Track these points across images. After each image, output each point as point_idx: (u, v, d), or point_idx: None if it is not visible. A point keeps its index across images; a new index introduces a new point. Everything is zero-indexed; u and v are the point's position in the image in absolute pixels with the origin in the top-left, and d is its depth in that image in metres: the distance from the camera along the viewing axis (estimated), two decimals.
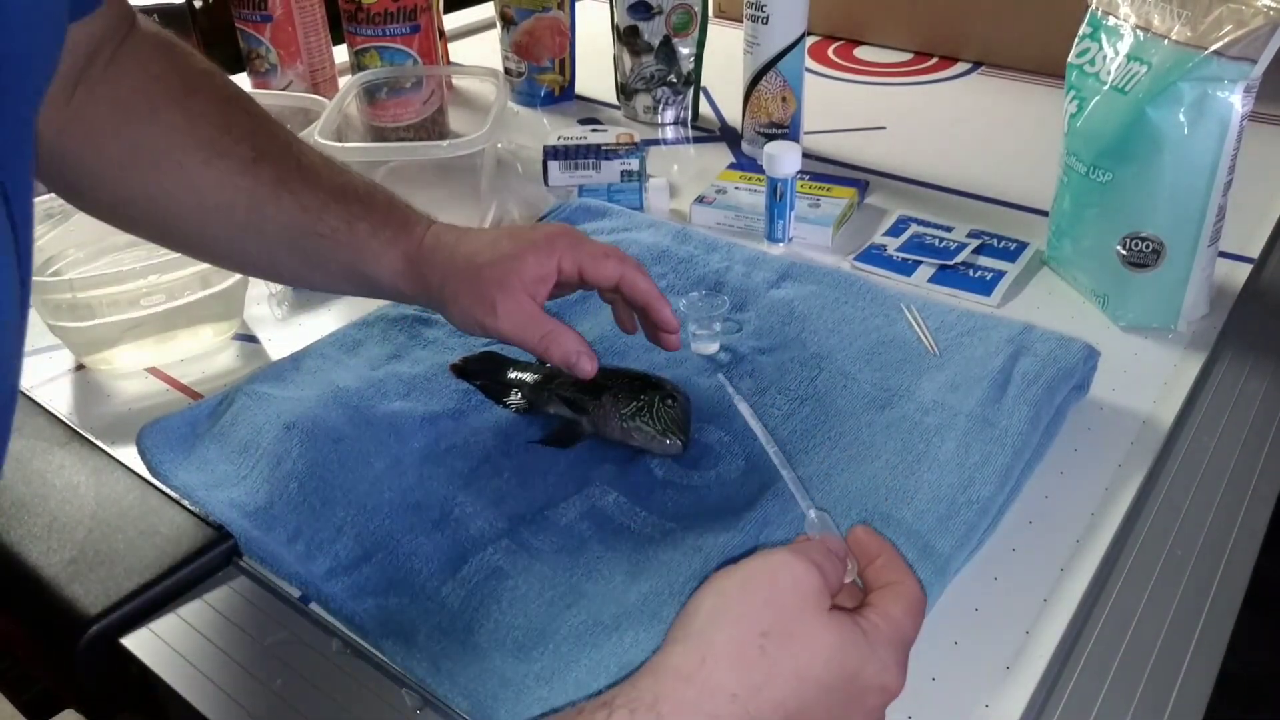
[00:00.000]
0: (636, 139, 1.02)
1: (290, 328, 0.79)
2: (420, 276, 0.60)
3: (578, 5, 1.20)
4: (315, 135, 0.85)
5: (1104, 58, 0.74)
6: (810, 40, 1.09)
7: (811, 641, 0.38)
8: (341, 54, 1.11)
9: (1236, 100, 0.67)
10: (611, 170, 0.97)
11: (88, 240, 0.79)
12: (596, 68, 1.21)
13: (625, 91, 1.15)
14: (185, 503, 0.59)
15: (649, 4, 1.07)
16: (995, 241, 0.86)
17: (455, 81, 1.21)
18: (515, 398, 0.67)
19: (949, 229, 0.88)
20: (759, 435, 0.55)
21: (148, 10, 0.99)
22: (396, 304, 0.78)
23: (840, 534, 0.46)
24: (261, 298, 0.82)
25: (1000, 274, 0.81)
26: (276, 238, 0.59)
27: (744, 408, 0.58)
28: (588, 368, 0.59)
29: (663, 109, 1.13)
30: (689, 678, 0.37)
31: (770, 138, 1.01)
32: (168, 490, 0.60)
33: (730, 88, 1.09)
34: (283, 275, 0.67)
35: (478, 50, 1.39)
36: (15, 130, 0.37)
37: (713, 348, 0.72)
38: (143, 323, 0.72)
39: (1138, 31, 0.72)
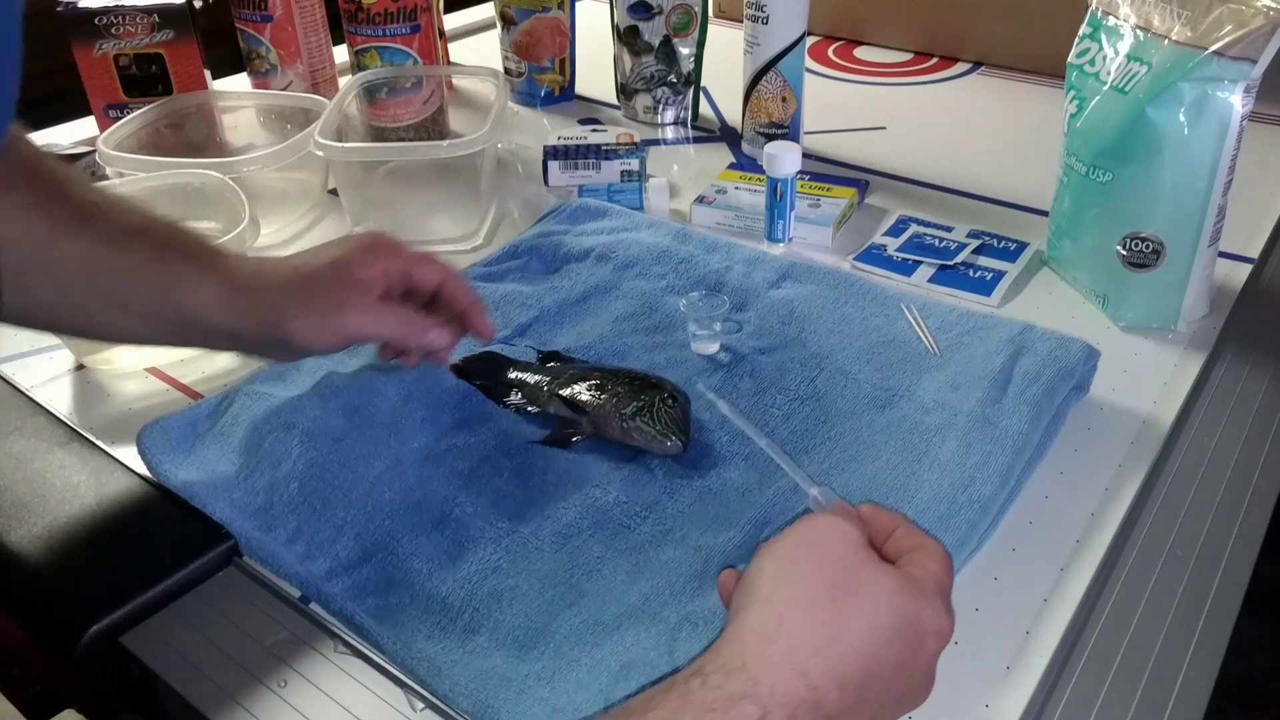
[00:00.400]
0: (636, 139, 1.02)
1: None
2: (247, 304, 0.57)
3: (578, 5, 1.20)
4: (315, 135, 0.85)
5: (1104, 58, 0.74)
6: (810, 40, 1.09)
7: (874, 591, 0.40)
8: (341, 54, 1.11)
9: (1236, 100, 0.67)
10: (611, 170, 0.97)
11: None
12: (596, 68, 1.21)
13: (625, 91, 1.15)
14: (185, 503, 0.59)
15: (649, 4, 1.07)
16: (995, 241, 0.86)
17: (455, 81, 1.21)
18: (515, 398, 0.67)
19: (949, 229, 0.88)
20: (749, 433, 0.55)
21: (147, 10, 0.99)
22: None
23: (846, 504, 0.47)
24: None
25: (1000, 274, 0.81)
26: (72, 276, 0.53)
27: (724, 406, 0.58)
28: (443, 339, 0.62)
29: (663, 109, 1.13)
30: (772, 638, 0.38)
31: (770, 138, 1.01)
32: (168, 490, 0.60)
33: (730, 88, 1.09)
34: (76, 323, 0.59)
35: (478, 50, 1.39)
36: None
37: (713, 348, 0.72)
38: None
39: (1138, 31, 0.72)
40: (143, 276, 0.55)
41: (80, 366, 0.75)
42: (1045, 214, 0.84)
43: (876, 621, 0.39)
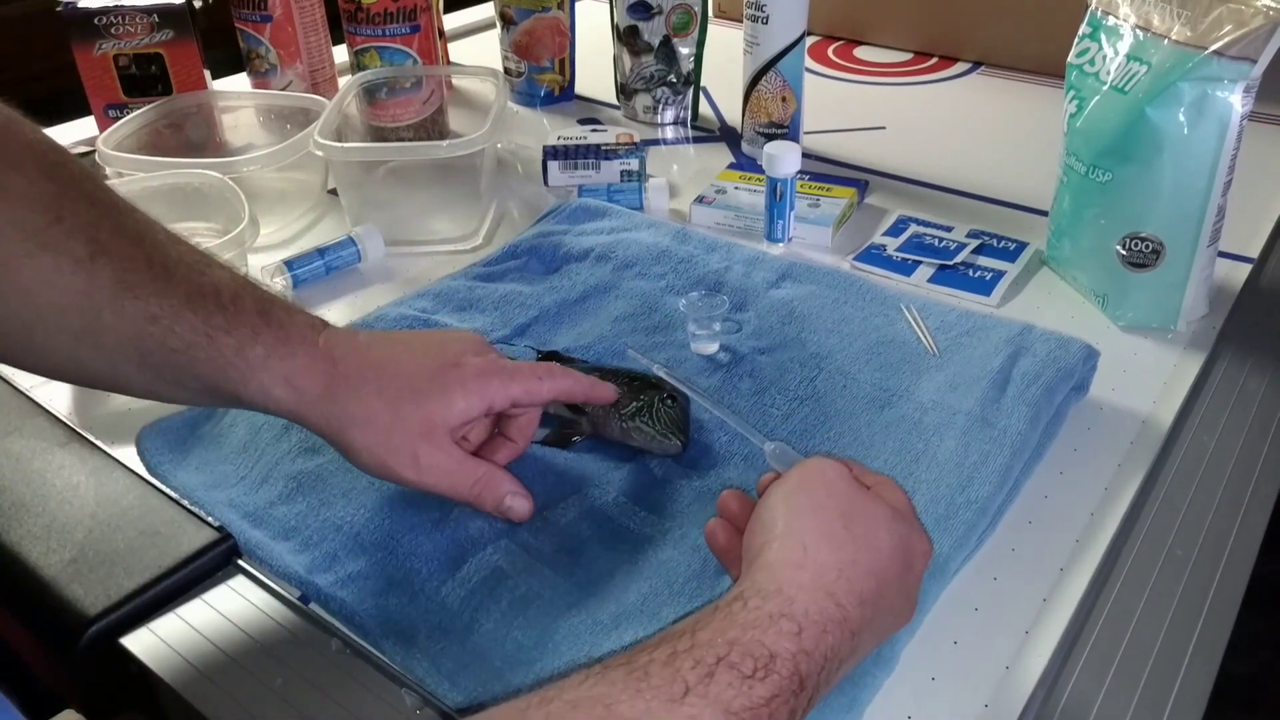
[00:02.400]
0: (636, 139, 1.02)
1: None
2: (312, 412, 0.52)
3: (578, 5, 1.20)
4: (315, 135, 0.85)
5: (1104, 58, 0.74)
6: (810, 40, 1.09)
7: (875, 515, 0.45)
8: (341, 54, 1.10)
9: (1236, 100, 0.67)
10: (611, 170, 0.97)
11: None
12: (596, 68, 1.21)
13: (625, 91, 1.15)
14: (185, 503, 0.59)
15: (649, 4, 1.07)
16: (995, 241, 0.86)
17: (455, 81, 1.21)
18: None
19: (949, 229, 0.88)
20: (695, 398, 0.58)
21: (147, 10, 0.99)
22: (396, 304, 0.78)
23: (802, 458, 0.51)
24: None
25: (1000, 274, 0.81)
26: (118, 350, 0.50)
27: (660, 370, 0.61)
28: (522, 509, 0.56)
29: (662, 109, 1.13)
30: (800, 564, 0.42)
31: (770, 138, 1.01)
32: (167, 490, 0.60)
33: (730, 88, 1.09)
34: (135, 391, 0.53)
35: (478, 50, 1.39)
36: None
37: (712, 348, 0.72)
38: None
39: (1137, 31, 0.72)
40: (194, 362, 0.51)
41: None
42: (1045, 214, 0.84)
43: (880, 543, 0.44)
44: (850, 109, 1.17)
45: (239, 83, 1.17)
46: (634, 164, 0.97)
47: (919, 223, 0.89)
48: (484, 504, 0.55)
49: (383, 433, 0.52)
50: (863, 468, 0.50)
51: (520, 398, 0.56)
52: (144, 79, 1.01)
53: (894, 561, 0.44)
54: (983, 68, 1.28)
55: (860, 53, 1.34)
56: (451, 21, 1.42)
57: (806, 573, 0.42)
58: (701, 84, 1.13)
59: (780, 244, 0.87)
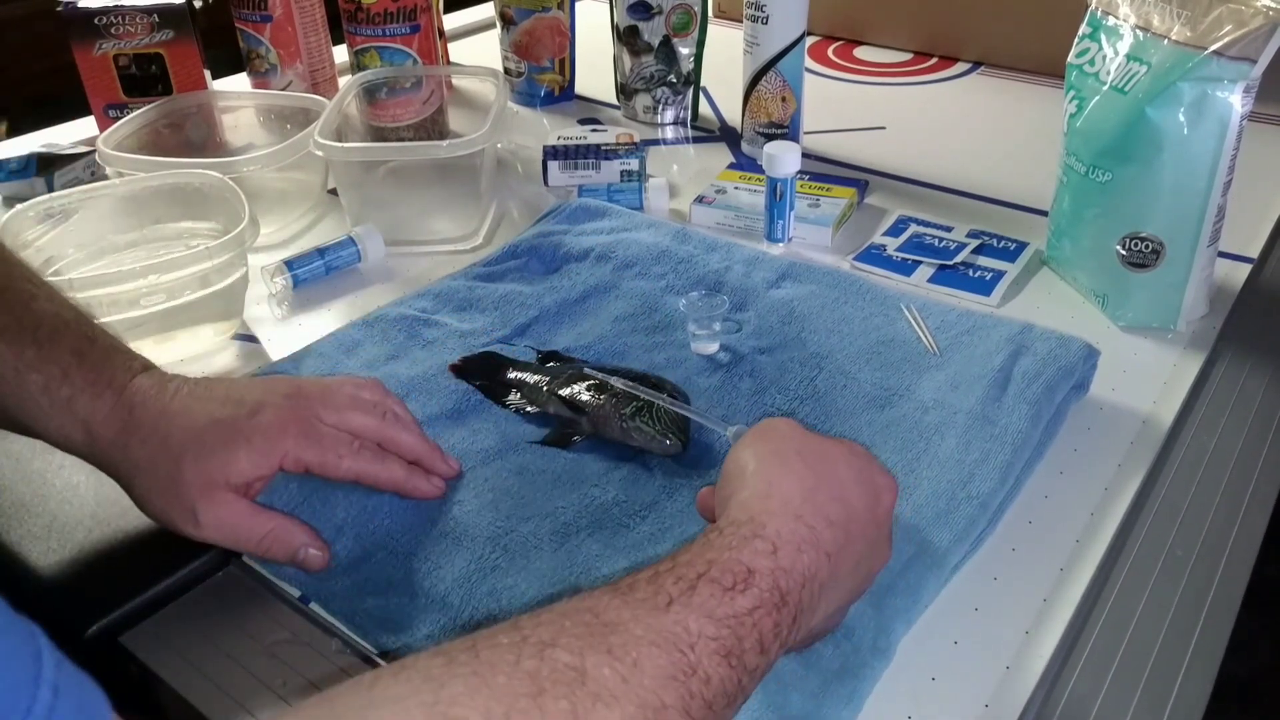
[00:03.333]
0: (636, 139, 1.02)
1: (290, 328, 0.79)
2: (102, 456, 0.51)
3: (578, 5, 1.20)
4: (315, 135, 0.85)
5: (1104, 58, 0.74)
6: (810, 40, 1.09)
7: (830, 451, 0.48)
8: (341, 54, 1.10)
9: (1236, 100, 0.67)
10: (611, 170, 0.97)
11: (88, 240, 0.79)
12: (596, 68, 1.21)
13: (625, 91, 1.15)
14: None
15: (649, 4, 1.07)
16: (995, 241, 0.86)
17: (455, 81, 1.21)
18: (515, 398, 0.67)
19: (949, 229, 0.88)
20: (639, 393, 0.61)
21: (147, 10, 0.99)
22: (396, 304, 0.78)
23: None
24: (261, 298, 0.82)
25: (1000, 274, 0.81)
26: None
27: (619, 383, 0.63)
28: (317, 562, 0.54)
29: (662, 109, 1.13)
30: (767, 495, 0.44)
31: (770, 138, 1.01)
32: None
33: (730, 88, 1.09)
34: None
35: (478, 50, 1.39)
36: None
37: (712, 348, 0.72)
38: (143, 322, 0.72)
39: (1137, 31, 0.72)
40: (25, 400, 0.50)
41: None
42: (1045, 214, 0.84)
43: (839, 473, 0.47)
44: (850, 109, 1.17)
45: (239, 83, 1.17)
46: (634, 164, 0.97)
47: (919, 223, 0.89)
48: (275, 557, 0.54)
49: (163, 485, 0.51)
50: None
51: (314, 464, 0.53)
52: (144, 79, 1.01)
53: (857, 489, 0.46)
54: (983, 68, 1.28)
55: (860, 53, 1.34)
56: (451, 21, 1.42)
57: (774, 500, 0.44)
58: (701, 84, 1.13)
59: (780, 244, 0.87)
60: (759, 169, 0.87)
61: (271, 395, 0.54)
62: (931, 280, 0.81)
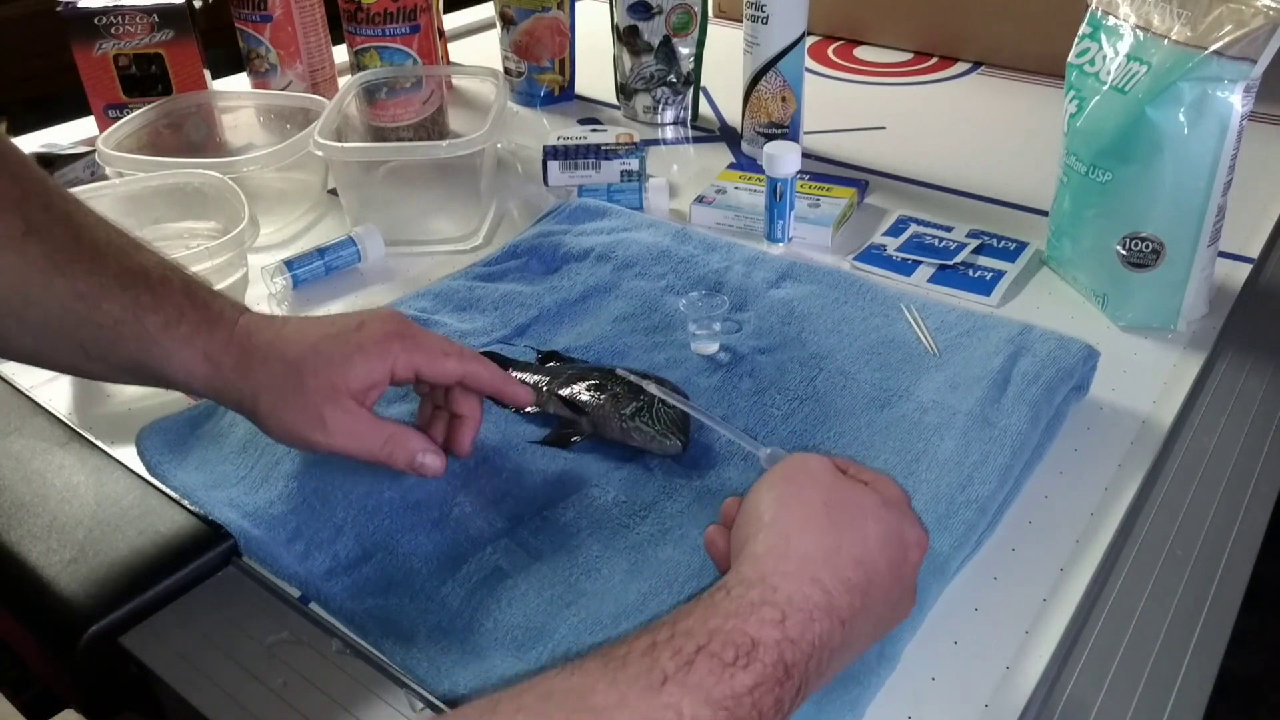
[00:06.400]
0: (636, 139, 1.02)
1: None
2: (228, 383, 0.53)
3: (578, 5, 1.20)
4: (315, 135, 0.85)
5: (1104, 58, 0.74)
6: (810, 40, 1.09)
7: (860, 503, 0.45)
8: (341, 54, 1.11)
9: (1236, 100, 0.67)
10: (611, 170, 0.97)
11: None
12: (596, 68, 1.21)
13: (625, 91, 1.15)
14: (185, 503, 0.59)
15: (649, 4, 1.07)
16: (995, 241, 0.86)
17: (455, 81, 1.21)
18: None
19: (949, 229, 0.88)
20: (689, 410, 0.59)
21: (147, 10, 0.99)
22: (396, 304, 0.78)
23: None
24: (261, 298, 0.82)
25: (1000, 274, 0.81)
26: (45, 325, 0.51)
27: (652, 387, 0.61)
28: (434, 465, 0.56)
29: (662, 109, 1.13)
30: (783, 553, 0.42)
31: (770, 138, 1.01)
32: (167, 490, 0.60)
33: (730, 88, 1.09)
34: (58, 365, 0.56)
35: (478, 50, 1.39)
36: None
37: (712, 348, 0.72)
38: None
39: (1138, 31, 0.72)
40: (119, 339, 0.52)
41: None
42: (1045, 214, 0.84)
43: (867, 531, 0.44)
44: (850, 109, 1.17)
45: (239, 83, 1.17)
46: (634, 164, 0.97)
47: (919, 223, 0.89)
48: (396, 462, 0.56)
49: (289, 399, 0.53)
50: (860, 466, 0.50)
51: (423, 367, 0.56)
52: (144, 79, 1.01)
53: (884, 549, 0.44)
54: (983, 68, 1.28)
55: (860, 53, 1.34)
56: (451, 21, 1.42)
57: (790, 560, 0.42)
58: (701, 84, 1.13)
59: (780, 244, 0.87)
60: (759, 169, 0.87)
61: (373, 315, 0.57)
62: (931, 280, 0.81)
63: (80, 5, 0.98)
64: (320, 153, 0.84)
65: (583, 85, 1.23)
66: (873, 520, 0.44)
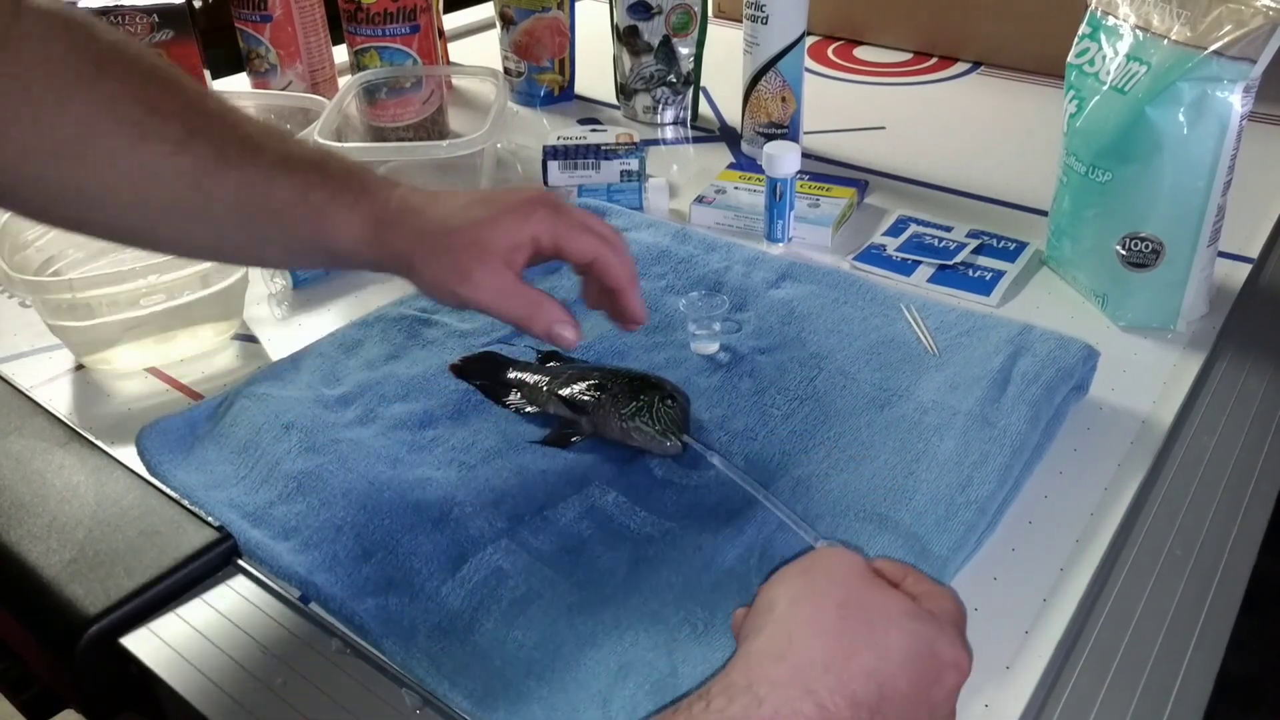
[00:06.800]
0: (636, 139, 1.02)
1: (290, 328, 0.79)
2: (386, 242, 0.56)
3: (578, 5, 1.20)
4: (315, 135, 0.85)
5: (1103, 58, 0.74)
6: (810, 40, 1.09)
7: (884, 610, 0.40)
8: (341, 54, 1.11)
9: (1236, 100, 0.67)
10: (611, 170, 0.97)
11: (88, 240, 0.79)
12: (596, 68, 1.21)
13: (625, 91, 1.15)
14: (185, 503, 0.59)
15: (649, 4, 1.07)
16: (995, 241, 0.86)
17: (455, 81, 1.21)
18: (515, 398, 0.67)
19: (949, 229, 0.88)
20: (748, 487, 0.57)
21: (147, 10, 0.99)
22: (397, 304, 0.78)
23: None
24: (261, 298, 0.82)
25: (1000, 274, 0.81)
26: (224, 217, 0.54)
27: (718, 460, 0.59)
28: (569, 336, 0.57)
29: (662, 109, 1.13)
30: (780, 656, 0.38)
31: (770, 138, 1.01)
32: (167, 490, 0.60)
33: (730, 88, 1.09)
34: (236, 255, 0.62)
35: (478, 50, 1.39)
36: None
37: (712, 348, 0.72)
38: (142, 322, 0.72)
39: (1137, 31, 0.72)
40: (291, 219, 0.55)
41: (80, 366, 0.75)
42: (1045, 214, 0.84)
43: (887, 642, 0.39)
44: (850, 109, 1.17)
45: (239, 83, 1.16)
46: (634, 164, 0.97)
47: (919, 223, 0.89)
48: (533, 328, 0.56)
49: (440, 252, 0.55)
50: (920, 575, 0.45)
51: (562, 236, 0.57)
52: None
53: (906, 666, 0.39)
54: (983, 68, 1.28)
55: (860, 53, 1.34)
56: (451, 21, 1.42)
57: (785, 666, 0.38)
58: (701, 84, 1.13)
59: (780, 244, 0.87)
60: (759, 169, 0.87)
61: (525, 186, 0.60)
62: (931, 280, 0.81)
63: (80, 5, 0.98)
64: None
65: (583, 85, 1.23)
66: (896, 630, 0.39)
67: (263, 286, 0.83)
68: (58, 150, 0.51)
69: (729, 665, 0.39)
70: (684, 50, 1.10)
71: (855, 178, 0.98)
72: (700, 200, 0.92)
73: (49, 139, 0.50)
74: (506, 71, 1.21)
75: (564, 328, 0.56)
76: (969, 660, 0.41)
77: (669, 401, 0.62)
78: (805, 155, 0.90)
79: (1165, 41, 0.69)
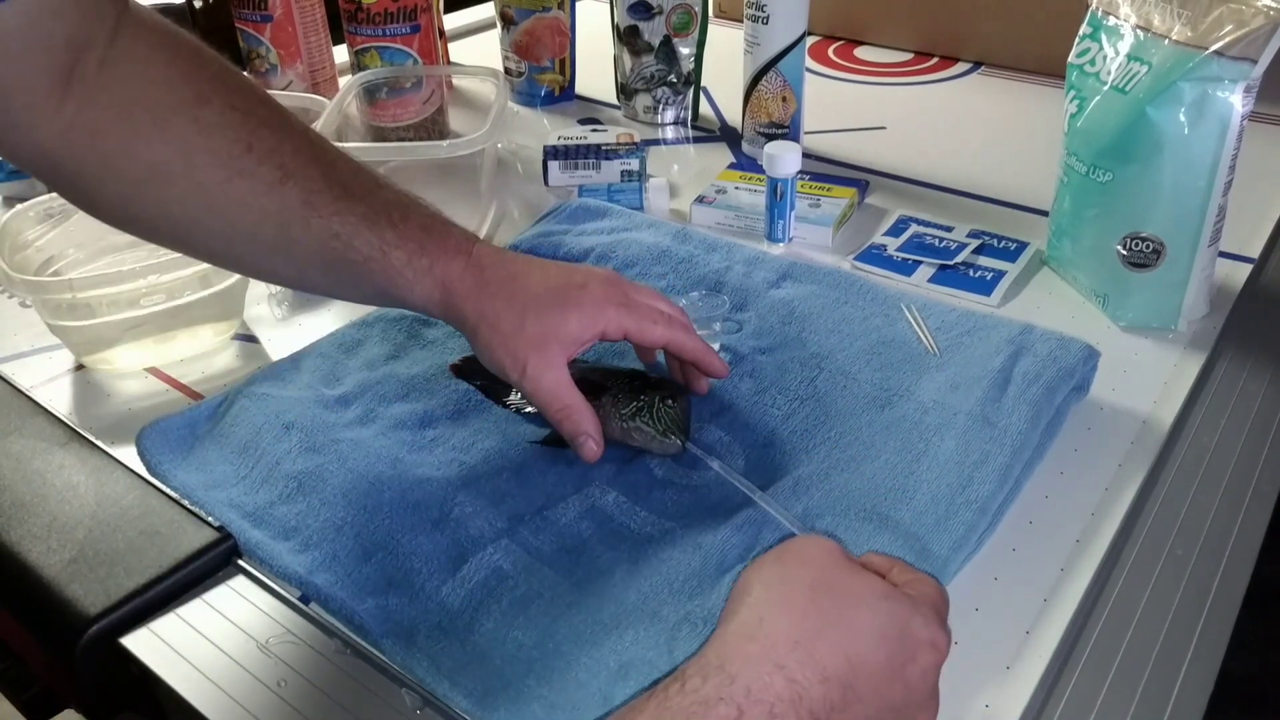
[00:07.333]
0: (636, 139, 1.02)
1: (290, 328, 0.79)
2: (455, 308, 0.59)
3: (578, 5, 1.20)
4: None
5: (1104, 58, 0.74)
6: (810, 40, 1.09)
7: (855, 590, 0.41)
8: (341, 54, 1.11)
9: (1236, 100, 0.67)
10: (611, 170, 0.97)
11: (88, 240, 0.79)
12: (596, 68, 1.21)
13: (625, 91, 1.15)
14: (185, 503, 0.59)
15: (649, 4, 1.07)
16: (995, 241, 0.86)
17: (455, 81, 1.21)
18: (515, 398, 0.67)
19: (949, 229, 0.88)
20: (741, 486, 0.57)
21: None
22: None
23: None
24: (261, 298, 0.82)
25: (1000, 274, 0.81)
26: (306, 260, 0.57)
27: (716, 464, 0.59)
28: (592, 450, 0.59)
29: (663, 109, 1.13)
30: (751, 635, 0.39)
31: (770, 138, 1.01)
32: (167, 490, 0.60)
33: (730, 88, 1.09)
34: (316, 290, 0.65)
35: (478, 50, 1.39)
36: None
37: (713, 348, 0.72)
38: (143, 322, 0.72)
39: (1138, 31, 0.72)
40: (370, 272, 0.57)
41: (80, 366, 0.75)
42: (1045, 214, 0.84)
43: (858, 621, 0.40)
44: (850, 109, 1.17)
45: None
46: (634, 164, 0.97)
47: (919, 223, 0.89)
48: (562, 428, 0.59)
49: (505, 336, 0.58)
50: (906, 567, 0.46)
51: (632, 331, 0.60)
52: None
53: (878, 644, 0.40)
54: (983, 68, 1.28)
55: (860, 53, 1.34)
56: (451, 21, 1.42)
57: (756, 644, 0.39)
58: (702, 84, 1.13)
59: (781, 244, 0.87)
60: (759, 169, 0.87)
61: (593, 274, 0.62)
62: (932, 280, 0.81)
63: None
64: None
65: (583, 85, 1.23)
66: (867, 609, 0.41)
67: (263, 287, 0.83)
68: (149, 173, 0.52)
69: (704, 647, 0.40)
70: (684, 50, 1.10)
71: (856, 178, 0.98)
72: (701, 200, 0.92)
73: (141, 161, 0.51)
74: (507, 71, 1.21)
75: (588, 440, 0.59)
76: (946, 641, 0.42)
77: (670, 401, 0.62)
78: (806, 155, 0.90)
79: (1166, 41, 0.69)
